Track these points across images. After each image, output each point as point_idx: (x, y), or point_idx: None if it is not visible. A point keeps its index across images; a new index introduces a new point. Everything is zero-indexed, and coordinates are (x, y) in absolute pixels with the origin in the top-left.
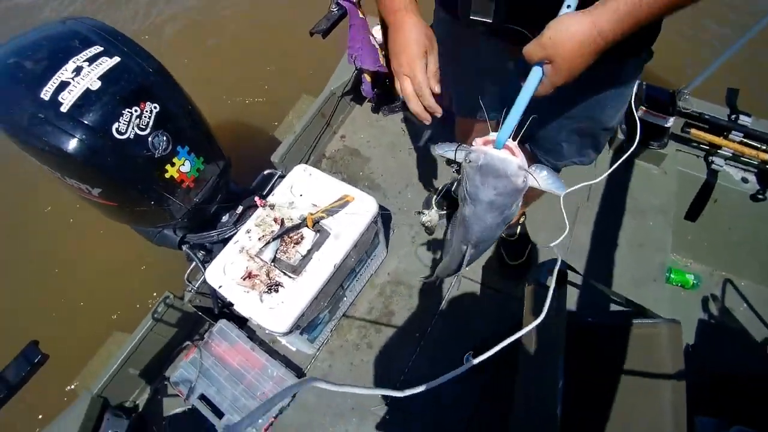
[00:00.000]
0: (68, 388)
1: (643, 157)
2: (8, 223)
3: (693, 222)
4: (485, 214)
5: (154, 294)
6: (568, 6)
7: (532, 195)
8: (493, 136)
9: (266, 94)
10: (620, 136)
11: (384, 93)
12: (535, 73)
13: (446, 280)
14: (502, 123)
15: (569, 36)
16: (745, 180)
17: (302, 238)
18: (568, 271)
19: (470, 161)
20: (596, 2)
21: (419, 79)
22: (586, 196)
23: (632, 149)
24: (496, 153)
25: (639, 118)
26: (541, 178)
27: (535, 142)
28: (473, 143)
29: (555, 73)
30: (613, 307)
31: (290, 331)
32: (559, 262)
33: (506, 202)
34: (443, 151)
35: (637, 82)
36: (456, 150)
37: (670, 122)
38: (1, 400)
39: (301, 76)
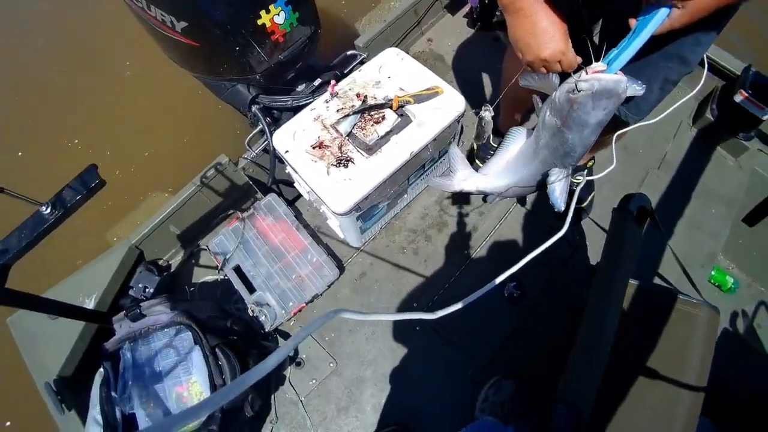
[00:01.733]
0: (105, 235)
1: (723, 144)
2: (86, 67)
3: (750, 226)
4: (591, 135)
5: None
6: None
7: (604, 141)
8: (599, 66)
9: None
10: (708, 115)
11: (490, 5)
12: (663, 14)
13: (503, 204)
14: (617, 53)
15: None
16: None
17: (383, 118)
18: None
19: (582, 90)
20: None
21: (572, 61)
22: (657, 163)
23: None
24: (611, 77)
25: (735, 102)
26: (631, 88)
27: None
28: (581, 74)
29: (680, 17)
30: (656, 280)
31: (349, 212)
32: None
33: (609, 118)
34: (532, 82)
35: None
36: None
37: (766, 115)
38: (57, 219)
39: None
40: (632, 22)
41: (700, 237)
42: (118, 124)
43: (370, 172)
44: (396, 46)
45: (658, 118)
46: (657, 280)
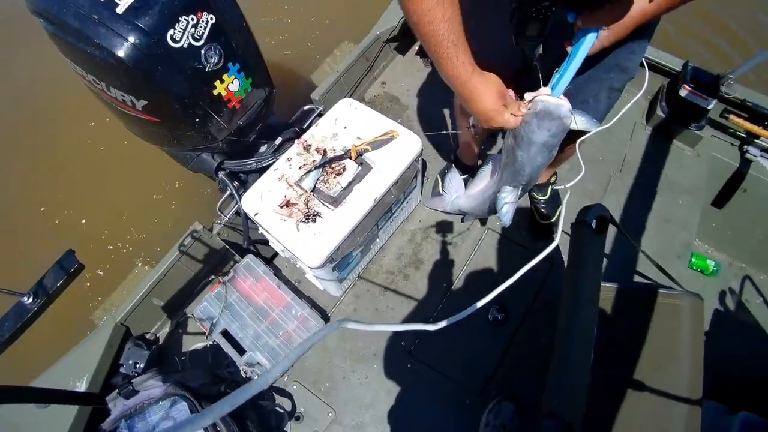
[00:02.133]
0: (91, 316)
1: (678, 137)
2: (45, 142)
3: (719, 209)
4: (537, 155)
5: (178, 225)
6: None
7: (565, 155)
8: (545, 90)
9: (311, 37)
10: (660, 113)
11: None
12: (592, 37)
13: (475, 232)
14: (558, 77)
15: (628, 16)
16: None
17: (344, 169)
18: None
19: (528, 108)
20: None
21: (504, 118)
22: (619, 167)
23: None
24: (553, 99)
25: (681, 96)
26: (579, 120)
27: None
28: (526, 96)
29: (608, 38)
30: (636, 278)
31: (323, 265)
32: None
33: (555, 142)
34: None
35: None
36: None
37: (711, 104)
38: (40, 307)
39: (346, 24)
40: (568, 47)
41: (671, 229)
42: (88, 196)
43: (338, 224)
44: (351, 94)
45: (612, 121)
46: (639, 279)
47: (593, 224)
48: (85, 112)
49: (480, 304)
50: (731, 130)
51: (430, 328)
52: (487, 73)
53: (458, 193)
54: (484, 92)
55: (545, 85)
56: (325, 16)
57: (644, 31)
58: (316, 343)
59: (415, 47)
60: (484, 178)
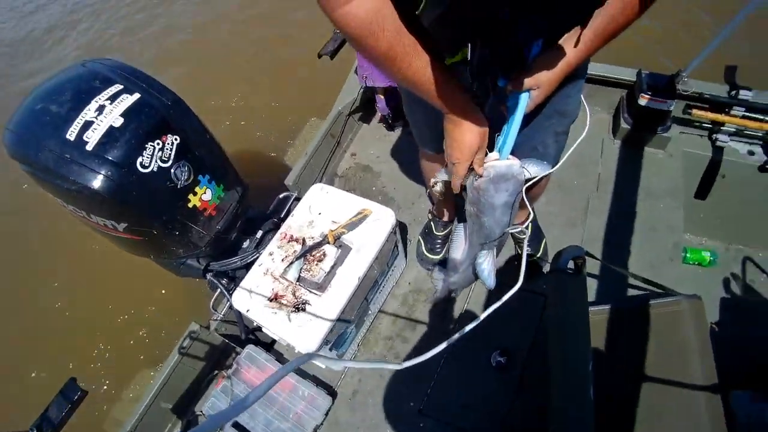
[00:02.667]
0: (103, 426)
1: (649, 143)
2: (32, 250)
3: (703, 200)
4: (502, 216)
5: (176, 319)
6: (537, 45)
7: (536, 193)
8: (493, 155)
9: (277, 119)
10: (624, 125)
11: (399, 107)
12: (525, 98)
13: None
14: (503, 141)
15: (553, 73)
16: (751, 153)
17: (325, 255)
18: (587, 259)
19: (483, 176)
20: (564, 43)
21: (462, 171)
22: (595, 187)
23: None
24: (503, 163)
25: (641, 105)
26: (531, 169)
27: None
28: (476, 166)
29: (539, 95)
30: (632, 293)
31: (319, 349)
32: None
33: (514, 198)
34: (443, 177)
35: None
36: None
37: (672, 106)
38: None
39: (310, 101)
40: (503, 109)
41: (659, 235)
42: (83, 303)
43: (326, 309)
44: (323, 172)
45: (559, 164)
46: (636, 293)
47: (570, 265)
48: (66, 229)
49: (436, 350)
50: (697, 123)
51: (395, 366)
52: (464, 122)
53: (443, 277)
54: (470, 130)
55: (491, 149)
56: (286, 98)
57: (575, 74)
58: (283, 375)
59: (378, 114)
60: (458, 250)
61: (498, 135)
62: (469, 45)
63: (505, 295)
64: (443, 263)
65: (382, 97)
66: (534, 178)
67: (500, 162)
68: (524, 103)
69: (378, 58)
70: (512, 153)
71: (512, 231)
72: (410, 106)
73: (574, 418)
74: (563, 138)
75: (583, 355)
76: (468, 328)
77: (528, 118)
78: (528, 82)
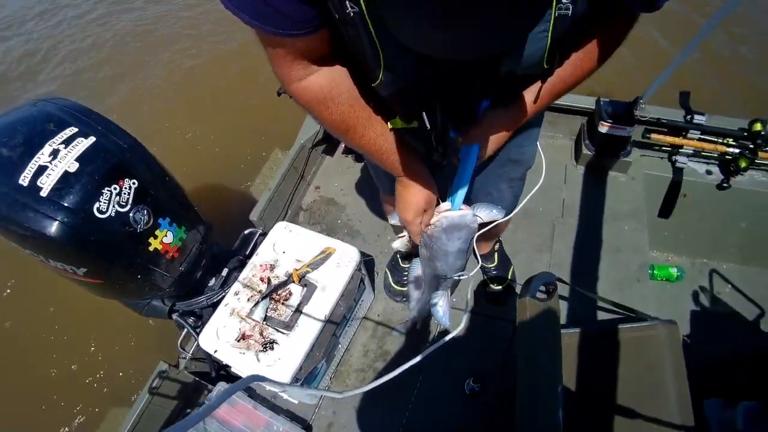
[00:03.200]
0: None
1: (611, 168)
2: None
3: (667, 219)
4: (455, 261)
5: (145, 358)
6: (487, 101)
7: (496, 233)
8: (445, 205)
9: (239, 154)
10: (586, 151)
11: None
12: (475, 150)
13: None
14: (453, 192)
15: (502, 127)
16: (709, 172)
17: (290, 294)
18: (558, 284)
19: (435, 226)
20: (511, 103)
21: (414, 230)
22: (560, 212)
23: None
24: (456, 213)
25: (602, 133)
26: (484, 214)
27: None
28: (423, 225)
29: (489, 147)
30: (602, 315)
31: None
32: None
33: (467, 245)
34: (396, 221)
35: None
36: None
37: (631, 132)
38: None
39: (272, 132)
40: (455, 160)
41: (625, 256)
42: (45, 344)
43: (294, 347)
44: (288, 206)
45: (516, 210)
46: (607, 316)
47: (540, 293)
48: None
49: (378, 382)
50: (657, 147)
51: (335, 395)
52: (413, 185)
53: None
54: (419, 193)
55: (443, 200)
56: (248, 132)
57: (528, 124)
58: (227, 398)
59: (341, 146)
60: (415, 283)
61: (450, 186)
62: (425, 113)
63: (449, 335)
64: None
65: None
66: (490, 223)
67: (452, 213)
68: (474, 155)
69: (331, 127)
70: (468, 197)
71: (457, 277)
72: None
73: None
74: (519, 184)
75: (552, 378)
76: (407, 365)
77: (482, 166)
78: (477, 135)
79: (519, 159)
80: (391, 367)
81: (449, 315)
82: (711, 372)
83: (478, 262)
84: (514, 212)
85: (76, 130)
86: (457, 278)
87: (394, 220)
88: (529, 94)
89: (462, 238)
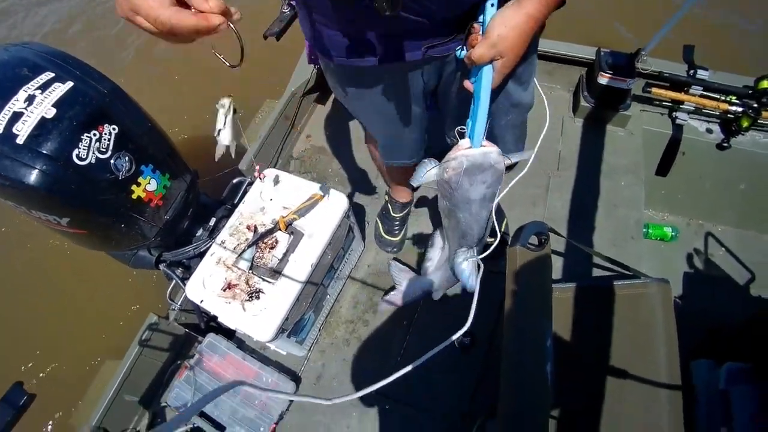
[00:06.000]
0: (69, 420)
1: (609, 121)
2: None
3: (664, 177)
4: (480, 210)
5: (136, 307)
6: (492, 5)
7: None
8: (464, 143)
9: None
10: (585, 103)
11: None
12: (489, 71)
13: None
14: (473, 124)
15: (513, 29)
16: (709, 131)
17: (277, 242)
18: (551, 235)
19: (454, 169)
20: None
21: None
22: (555, 165)
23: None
24: (476, 151)
25: (602, 84)
26: (513, 155)
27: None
28: (448, 155)
29: (504, 64)
30: (596, 271)
31: (276, 337)
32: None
33: (494, 190)
34: (423, 179)
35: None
36: (435, 167)
37: (631, 84)
38: None
39: (262, 80)
40: (468, 84)
41: (620, 212)
42: (34, 306)
43: (281, 296)
44: (278, 154)
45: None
46: (602, 272)
47: (532, 242)
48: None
49: (365, 391)
50: (657, 102)
51: (324, 402)
52: None
53: (409, 278)
54: None
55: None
56: (237, 80)
57: (526, 55)
58: (215, 397)
59: (333, 95)
60: (434, 251)
61: (468, 120)
62: None
63: (456, 333)
64: (398, 260)
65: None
66: (513, 164)
67: (473, 151)
68: (489, 76)
69: None
70: (491, 131)
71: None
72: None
73: (528, 393)
74: (524, 129)
75: (541, 330)
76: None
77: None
78: (488, 50)
79: (521, 101)
80: (382, 320)
81: (476, 277)
82: (700, 333)
83: None
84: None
85: (52, 75)
86: (484, 237)
87: (414, 180)
88: None
89: (487, 181)
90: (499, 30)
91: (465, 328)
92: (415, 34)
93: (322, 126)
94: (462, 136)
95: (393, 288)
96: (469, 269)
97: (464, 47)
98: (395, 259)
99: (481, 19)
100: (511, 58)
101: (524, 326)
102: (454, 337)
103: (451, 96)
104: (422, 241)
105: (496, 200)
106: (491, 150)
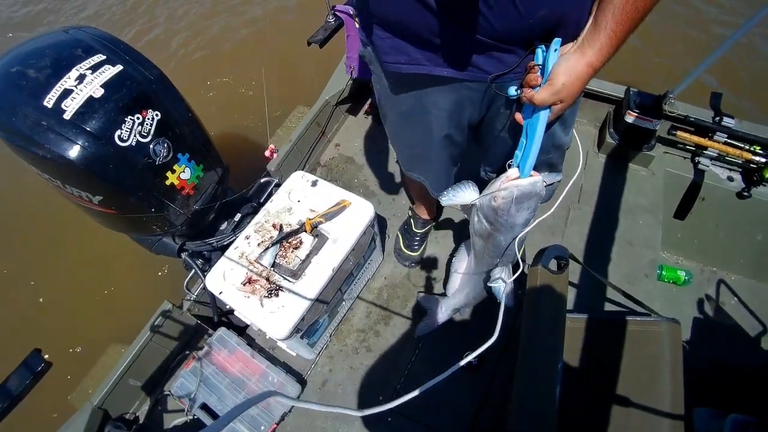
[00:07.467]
0: (69, 397)
1: (632, 160)
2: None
3: (682, 220)
4: (520, 232)
5: (149, 296)
6: (555, 50)
7: None
8: (513, 172)
9: (263, 104)
10: (610, 139)
11: (373, 103)
12: (546, 112)
13: (441, 283)
14: (522, 156)
15: (576, 79)
16: (730, 179)
17: (301, 242)
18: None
19: (504, 198)
20: (582, 41)
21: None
22: (576, 198)
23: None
24: (526, 181)
25: (628, 123)
26: (546, 178)
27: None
28: (495, 184)
29: (562, 108)
30: (607, 306)
31: (290, 336)
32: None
33: (533, 214)
34: (454, 201)
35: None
36: (473, 192)
37: (657, 125)
38: (4, 410)
39: (299, 85)
40: (519, 117)
41: (636, 251)
42: (53, 277)
43: (299, 296)
44: (306, 160)
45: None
46: (612, 306)
47: (552, 265)
48: (43, 197)
49: (396, 402)
50: (681, 145)
51: (355, 413)
52: None
53: (438, 302)
54: None
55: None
56: (274, 84)
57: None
58: (246, 408)
59: (365, 107)
60: (461, 269)
61: (517, 151)
62: None
63: (479, 348)
64: (423, 265)
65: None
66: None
67: (522, 181)
68: (546, 117)
69: None
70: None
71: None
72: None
73: (537, 412)
74: (559, 169)
75: (554, 352)
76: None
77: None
78: (551, 96)
79: (562, 143)
80: (393, 332)
81: (512, 295)
82: (705, 381)
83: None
84: (562, 195)
85: (104, 57)
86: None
87: (446, 198)
88: (599, 19)
89: (531, 208)
90: (564, 78)
91: (492, 340)
92: (477, 51)
93: (352, 136)
94: (509, 166)
95: (425, 313)
96: (507, 287)
97: (520, 87)
98: (419, 292)
99: (540, 60)
100: (568, 103)
101: (537, 347)
102: (480, 349)
103: (495, 131)
104: (440, 259)
105: (533, 223)
106: (538, 179)
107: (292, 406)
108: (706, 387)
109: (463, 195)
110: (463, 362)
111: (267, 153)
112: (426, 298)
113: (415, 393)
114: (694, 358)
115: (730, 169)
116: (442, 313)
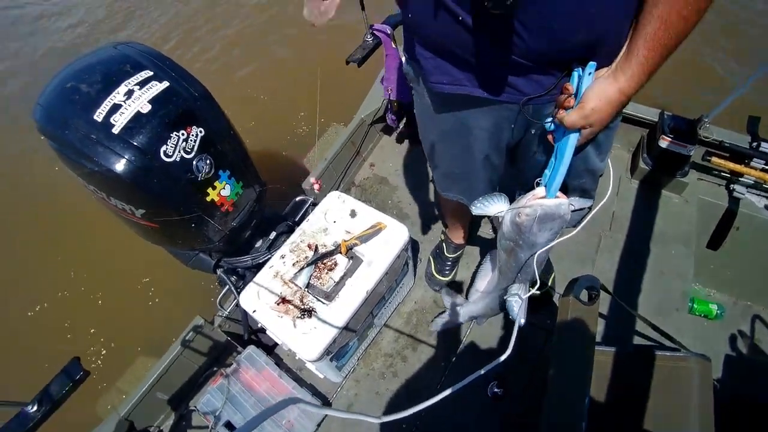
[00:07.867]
0: (94, 407)
1: (665, 186)
2: (51, 236)
3: (715, 251)
4: (542, 253)
5: (181, 311)
6: (590, 74)
7: None
8: (540, 191)
9: (299, 122)
10: (643, 165)
11: (408, 124)
12: (576, 135)
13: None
14: (551, 176)
15: (607, 104)
16: (767, 207)
17: (335, 264)
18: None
19: (528, 215)
20: (616, 67)
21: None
22: (608, 225)
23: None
24: (551, 202)
25: (662, 148)
26: (575, 202)
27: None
28: (522, 200)
29: (592, 132)
30: (636, 339)
31: (320, 358)
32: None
33: (556, 236)
34: (486, 211)
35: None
36: (504, 204)
37: (692, 151)
38: (45, 414)
39: (336, 103)
40: (550, 137)
41: (667, 281)
42: (88, 289)
43: (332, 318)
44: (341, 179)
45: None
46: (641, 339)
47: (583, 296)
48: (85, 208)
49: (419, 407)
50: (715, 171)
51: (373, 420)
52: None
53: (459, 302)
54: None
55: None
56: (310, 102)
57: (610, 125)
58: (270, 415)
59: (399, 129)
60: (483, 279)
61: (546, 171)
62: None
63: (493, 362)
64: (452, 286)
65: (395, 109)
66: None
67: (549, 201)
68: (575, 140)
69: None
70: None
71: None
72: (438, 146)
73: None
74: (591, 195)
75: (582, 386)
76: (458, 385)
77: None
78: (581, 120)
79: (595, 168)
80: (420, 358)
81: (525, 313)
82: (736, 421)
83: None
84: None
85: (151, 73)
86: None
87: (478, 206)
88: (632, 46)
89: (554, 229)
90: (594, 103)
91: (505, 356)
92: (516, 72)
93: (387, 156)
94: (537, 185)
95: (443, 312)
96: (521, 307)
97: (555, 113)
98: (448, 285)
99: (574, 82)
100: (598, 128)
101: (566, 380)
102: (493, 363)
103: (530, 155)
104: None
105: (553, 243)
106: (564, 202)
107: (316, 430)
108: (737, 428)
109: (494, 206)
110: (471, 377)
111: (316, 187)
112: (450, 292)
113: (434, 400)
114: (725, 397)
115: None
116: (460, 316)
